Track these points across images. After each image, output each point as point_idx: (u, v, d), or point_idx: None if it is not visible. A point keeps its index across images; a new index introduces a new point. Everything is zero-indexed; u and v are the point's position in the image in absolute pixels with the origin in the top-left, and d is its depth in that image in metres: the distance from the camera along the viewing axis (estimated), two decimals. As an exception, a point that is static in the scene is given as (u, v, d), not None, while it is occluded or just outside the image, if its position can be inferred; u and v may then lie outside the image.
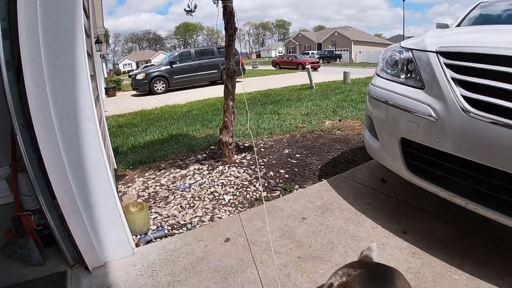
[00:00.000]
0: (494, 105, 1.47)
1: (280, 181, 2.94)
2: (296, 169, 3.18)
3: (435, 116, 1.71)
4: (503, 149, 1.44)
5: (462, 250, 1.82)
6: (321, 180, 2.85)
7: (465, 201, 1.69)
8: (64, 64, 1.59)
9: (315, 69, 23.02)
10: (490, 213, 1.59)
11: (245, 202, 2.61)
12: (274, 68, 29.43)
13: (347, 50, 49.78)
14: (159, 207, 2.62)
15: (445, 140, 1.69)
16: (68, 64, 1.59)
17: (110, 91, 14.60)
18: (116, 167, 3.48)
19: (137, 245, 2.07)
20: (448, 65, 1.69)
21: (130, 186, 3.06)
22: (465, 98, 1.58)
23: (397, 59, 2.10)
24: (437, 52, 1.76)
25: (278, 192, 2.73)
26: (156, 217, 2.47)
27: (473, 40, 1.79)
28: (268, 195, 2.69)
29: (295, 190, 2.73)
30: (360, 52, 46.86)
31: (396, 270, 1.35)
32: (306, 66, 11.80)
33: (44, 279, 1.76)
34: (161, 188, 2.95)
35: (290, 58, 29.97)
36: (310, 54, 44.20)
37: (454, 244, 1.87)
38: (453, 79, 1.65)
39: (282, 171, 3.16)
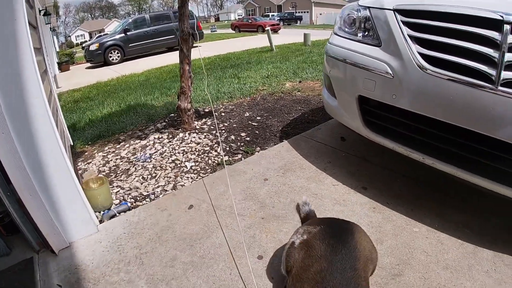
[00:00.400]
0: (450, 62, 1.49)
1: (242, 144, 2.94)
2: (257, 132, 3.18)
3: (391, 73, 1.73)
4: (459, 105, 1.49)
5: (421, 204, 1.91)
6: (282, 141, 2.87)
7: (422, 156, 1.74)
8: (4, 39, 1.44)
9: (275, 31, 22.73)
10: (447, 167, 1.65)
11: (207, 167, 2.59)
12: (234, 32, 28.72)
13: (307, 12, 49.19)
14: (121, 180, 2.55)
15: (401, 97, 1.72)
16: (9, 38, 1.45)
17: (63, 66, 13.68)
18: (72, 144, 3.32)
19: (101, 221, 2.02)
20: (405, 23, 1.69)
21: (90, 162, 2.95)
22: (421, 55, 1.60)
23: (354, 17, 2.07)
24: (394, 10, 1.74)
25: (240, 155, 2.73)
26: (118, 191, 2.41)
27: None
28: (230, 158, 2.68)
29: (257, 152, 2.74)
30: (320, 14, 46.46)
31: (356, 224, 1.40)
32: (266, 29, 11.58)
33: (12, 269, 1.68)
34: (122, 161, 2.86)
35: (250, 21, 29.28)
36: (270, 16, 43.41)
37: (413, 199, 1.96)
38: (410, 36, 1.65)
39: (243, 134, 3.15)
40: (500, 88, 1.34)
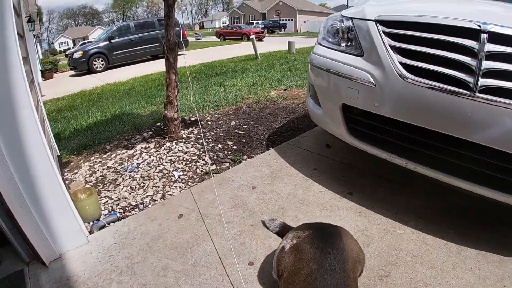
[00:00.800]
0: (429, 70, 1.56)
1: (229, 153, 2.97)
2: (244, 140, 3.21)
3: (373, 82, 1.79)
4: (439, 112, 1.56)
5: (405, 207, 1.97)
6: (269, 149, 2.91)
7: (405, 162, 1.81)
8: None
9: (260, 39, 22.93)
10: (429, 171, 1.72)
11: (195, 176, 2.61)
12: (219, 39, 28.85)
13: (291, 19, 49.73)
14: (109, 190, 2.54)
15: (383, 105, 1.78)
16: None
17: (47, 73, 13.41)
18: (59, 154, 3.29)
19: (90, 232, 2.01)
20: (386, 33, 1.75)
21: (77, 172, 2.92)
22: (402, 64, 1.66)
23: (337, 27, 2.13)
24: (376, 21, 1.80)
25: (227, 164, 2.75)
26: (107, 201, 2.40)
27: (411, 9, 1.84)
28: (218, 167, 2.71)
29: (244, 161, 2.77)
30: (304, 22, 47.06)
31: (343, 228, 1.44)
32: (251, 37, 11.70)
33: (2, 282, 1.65)
34: (109, 171, 2.85)
35: (235, 29, 29.48)
36: (254, 24, 43.65)
37: (397, 202, 2.02)
38: (391, 46, 1.72)
39: (230, 143, 3.17)
40: (478, 94, 1.41)
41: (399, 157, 1.83)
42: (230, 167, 2.67)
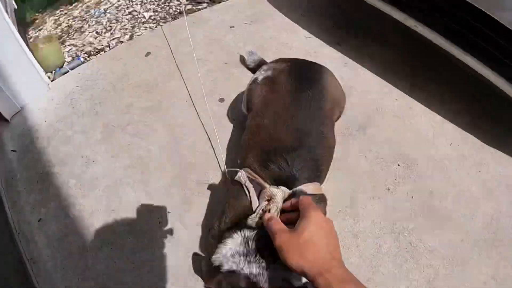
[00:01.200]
0: None
1: (206, -7, 2.62)
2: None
3: None
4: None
5: (395, 69, 1.79)
6: (253, -9, 2.56)
7: (405, 17, 1.55)
8: None
9: None
10: (429, 33, 1.47)
11: (168, 17, 2.34)
12: None
13: None
14: (74, 38, 2.30)
15: None
16: None
17: None
18: (16, 7, 2.95)
19: (53, 80, 1.85)
20: None
21: (42, 28, 2.62)
22: None
23: None
24: None
25: (205, 5, 2.44)
26: (71, 48, 2.18)
27: None
28: (194, 7, 2.41)
29: (224, 1, 2.44)
30: None
31: (326, 68, 1.27)
32: None
33: None
34: (75, 21, 2.55)
35: None
36: None
37: (387, 62, 1.83)
38: None
39: (208, -16, 2.78)
40: None
41: (400, 12, 1.56)
42: (208, 7, 2.37)
